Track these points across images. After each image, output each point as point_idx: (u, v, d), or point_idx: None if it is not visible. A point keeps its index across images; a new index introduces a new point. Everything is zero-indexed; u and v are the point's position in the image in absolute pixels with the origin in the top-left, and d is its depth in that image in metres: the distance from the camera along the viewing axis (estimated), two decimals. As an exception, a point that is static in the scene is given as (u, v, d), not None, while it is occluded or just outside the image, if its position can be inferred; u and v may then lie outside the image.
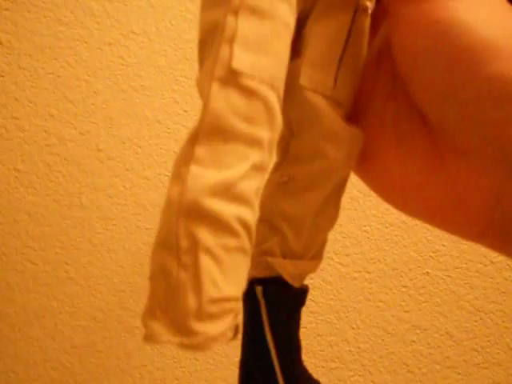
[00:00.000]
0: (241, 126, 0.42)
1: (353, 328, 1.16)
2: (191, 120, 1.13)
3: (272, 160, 0.45)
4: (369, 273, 1.16)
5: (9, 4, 1.11)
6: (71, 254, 1.15)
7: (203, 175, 0.42)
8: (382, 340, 1.16)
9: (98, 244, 1.15)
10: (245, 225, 0.43)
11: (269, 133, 0.42)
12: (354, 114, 0.45)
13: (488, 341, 1.17)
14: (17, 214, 1.15)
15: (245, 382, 0.56)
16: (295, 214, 0.51)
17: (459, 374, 1.17)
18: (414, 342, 1.16)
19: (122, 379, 1.15)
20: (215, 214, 0.42)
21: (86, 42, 1.12)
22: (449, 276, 1.17)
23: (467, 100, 0.29)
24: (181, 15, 1.13)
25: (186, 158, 0.45)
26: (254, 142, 0.42)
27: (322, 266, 1.22)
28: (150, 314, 0.45)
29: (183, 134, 1.13)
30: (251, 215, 0.43)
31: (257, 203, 0.44)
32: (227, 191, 0.42)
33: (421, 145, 0.36)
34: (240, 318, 0.45)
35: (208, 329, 0.42)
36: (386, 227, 1.15)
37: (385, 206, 1.13)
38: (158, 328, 0.44)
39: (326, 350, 1.16)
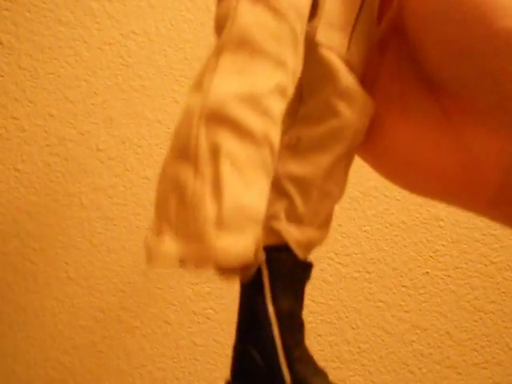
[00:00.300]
0: (268, 43, 0.41)
1: (353, 328, 1.16)
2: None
3: (292, 92, 0.44)
4: (369, 273, 1.16)
5: (9, 4, 1.11)
6: (71, 254, 1.15)
7: (228, 84, 0.41)
8: (382, 340, 1.16)
9: (97, 244, 1.15)
10: (268, 140, 0.41)
11: (293, 60, 0.41)
12: (363, 85, 0.45)
13: (488, 341, 1.17)
14: (17, 214, 1.15)
15: (240, 358, 0.52)
16: (304, 176, 0.49)
17: (459, 374, 1.17)
18: (413, 341, 1.16)
19: (122, 379, 1.15)
20: (239, 121, 0.40)
21: (85, 42, 1.12)
22: (449, 276, 1.17)
23: (484, 55, 0.29)
24: (181, 15, 1.13)
25: (209, 67, 0.43)
26: (279, 62, 0.41)
27: (322, 265, 1.22)
28: (156, 235, 0.42)
29: (183, 134, 1.13)
30: (275, 133, 0.42)
31: (280, 126, 0.42)
32: (253, 101, 0.40)
33: (429, 115, 0.36)
34: (262, 234, 0.43)
35: (228, 240, 0.40)
36: (386, 227, 1.15)
37: (385, 205, 1.13)
38: (168, 245, 0.41)
39: (326, 350, 1.16)
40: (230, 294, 1.15)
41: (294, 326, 0.52)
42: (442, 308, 1.17)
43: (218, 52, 0.42)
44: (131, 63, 1.13)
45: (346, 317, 1.16)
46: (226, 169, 0.39)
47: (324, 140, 0.47)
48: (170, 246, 0.40)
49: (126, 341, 1.15)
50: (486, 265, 1.17)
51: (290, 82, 0.41)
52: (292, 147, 0.49)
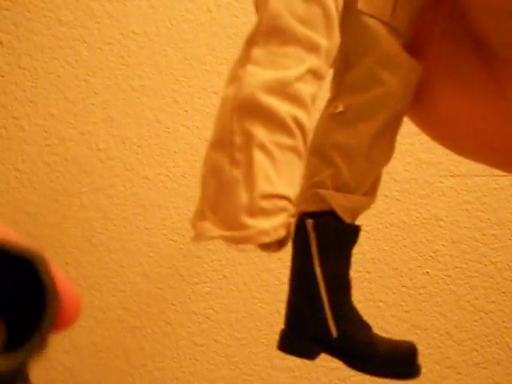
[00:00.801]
0: (299, 29, 0.41)
1: (353, 328, 1.16)
2: (191, 120, 1.13)
3: (328, 70, 0.44)
4: (369, 273, 1.16)
5: (9, 4, 1.11)
6: (71, 254, 1.15)
7: (260, 74, 0.42)
8: (382, 340, 1.16)
9: (97, 244, 1.16)
10: (300, 125, 0.43)
11: (326, 40, 0.42)
12: (411, 51, 0.44)
13: (488, 341, 1.17)
14: (17, 214, 1.15)
15: (292, 317, 0.56)
16: (349, 145, 0.50)
17: (459, 373, 1.17)
18: (413, 342, 1.15)
19: (122, 379, 1.15)
20: (270, 110, 0.42)
21: (85, 42, 1.12)
22: (449, 276, 1.17)
23: None
24: (181, 15, 1.13)
25: (243, 59, 0.45)
26: (311, 47, 0.42)
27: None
28: (199, 215, 0.46)
29: (183, 134, 1.13)
30: (306, 117, 0.43)
31: (312, 108, 0.44)
32: (283, 89, 0.42)
33: (478, 76, 0.36)
34: (292, 220, 0.44)
35: (259, 223, 0.42)
36: (386, 227, 1.15)
37: (385, 206, 1.13)
38: (208, 226, 0.44)
39: (326, 349, 1.16)
40: (230, 293, 1.15)
41: (340, 285, 0.56)
42: (442, 308, 1.17)
43: (251, 42, 0.44)
44: (131, 63, 1.13)
45: (346, 317, 1.16)
46: (258, 157, 0.41)
47: (369, 108, 0.47)
48: (210, 229, 0.43)
49: (125, 341, 1.15)
50: (485, 265, 1.17)
51: (323, 63, 0.42)
52: (337, 116, 0.50)
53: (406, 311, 1.16)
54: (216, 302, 1.14)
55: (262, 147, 0.42)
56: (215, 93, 1.12)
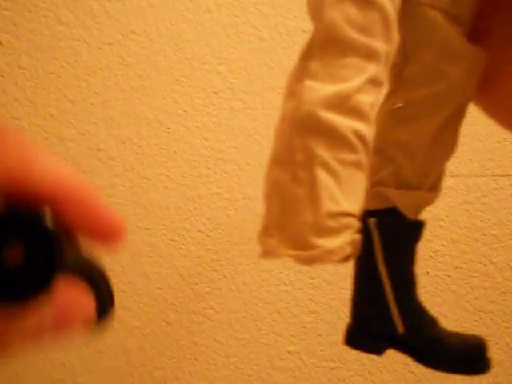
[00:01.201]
0: (357, 38, 0.40)
1: (353, 328, 1.16)
2: (191, 120, 1.13)
3: (388, 74, 0.43)
4: (369, 273, 1.16)
5: (9, 4, 1.11)
6: (71, 254, 1.15)
7: (318, 88, 0.41)
8: (382, 340, 1.16)
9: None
10: (362, 138, 0.41)
11: (385, 45, 0.41)
12: (474, 37, 0.43)
13: (488, 341, 1.17)
14: (17, 213, 1.15)
15: (358, 314, 0.56)
16: (410, 142, 0.48)
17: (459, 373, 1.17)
18: (414, 341, 1.16)
19: (122, 379, 1.15)
20: (331, 126, 0.40)
21: (85, 42, 1.12)
22: (449, 276, 1.17)
23: None
24: (181, 15, 1.13)
25: (300, 73, 0.43)
26: (370, 55, 0.40)
27: (322, 265, 1.21)
28: (264, 231, 0.45)
29: (183, 134, 1.13)
30: (368, 129, 0.42)
31: (373, 118, 0.42)
32: (343, 104, 0.40)
33: None
34: (358, 236, 0.44)
35: (325, 242, 0.41)
36: (386, 227, 1.15)
37: (385, 206, 1.07)
38: (275, 244, 0.43)
39: (326, 350, 1.16)
40: (230, 293, 1.15)
41: (405, 282, 0.55)
42: (442, 308, 1.17)
43: (307, 55, 0.42)
44: (131, 63, 1.13)
45: (346, 317, 1.16)
46: (322, 175, 0.40)
47: (430, 104, 0.46)
48: (277, 247, 0.43)
49: (126, 341, 1.15)
50: (485, 265, 1.17)
51: (382, 69, 0.41)
52: (396, 112, 0.48)
53: (406, 311, 1.16)
54: (216, 301, 1.14)
55: (325, 165, 0.41)
56: (215, 93, 1.12)
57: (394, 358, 1.17)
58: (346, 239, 0.42)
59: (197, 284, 1.14)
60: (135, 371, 1.15)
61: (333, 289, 1.15)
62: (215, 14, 1.11)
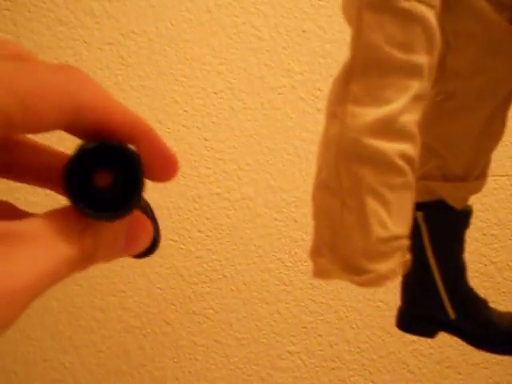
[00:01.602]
0: (399, 56, 0.38)
1: (353, 328, 1.16)
2: (191, 120, 1.13)
3: (431, 84, 0.41)
4: (369, 273, 1.16)
5: (9, 4, 1.11)
6: (71, 254, 1.15)
7: (362, 113, 0.39)
8: (382, 340, 1.16)
9: (98, 244, 1.16)
10: (409, 160, 0.40)
11: (428, 57, 0.39)
12: None
13: (488, 341, 1.17)
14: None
15: (409, 299, 0.57)
16: (456, 135, 0.47)
17: (459, 373, 1.17)
18: (414, 342, 1.16)
19: (122, 379, 1.15)
20: (377, 152, 0.39)
21: (85, 42, 1.12)
22: (449, 276, 1.17)
23: None
24: (181, 15, 1.13)
25: (341, 96, 0.41)
26: (413, 71, 0.38)
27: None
28: (316, 251, 0.45)
29: (183, 134, 1.13)
30: (414, 149, 0.40)
31: (418, 134, 0.41)
32: (388, 128, 0.39)
33: None
34: (408, 255, 0.44)
35: (378, 267, 0.41)
36: (386, 227, 1.15)
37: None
38: (327, 265, 0.43)
39: (326, 349, 1.16)
40: (230, 293, 1.15)
41: (454, 270, 0.56)
42: (442, 308, 1.17)
43: (348, 77, 0.40)
44: (131, 63, 1.13)
45: (346, 317, 1.16)
46: (370, 202, 0.40)
47: (477, 94, 0.44)
48: (330, 269, 0.42)
49: (125, 341, 1.15)
50: (485, 265, 1.17)
51: (426, 83, 0.39)
52: (440, 105, 0.46)
53: (405, 311, 1.16)
54: (216, 302, 1.14)
55: (372, 191, 0.39)
56: (215, 93, 1.12)
57: (393, 359, 1.17)
58: (397, 262, 0.42)
59: (197, 284, 1.14)
60: (135, 371, 1.15)
61: (333, 289, 1.15)
62: (215, 14, 1.11)
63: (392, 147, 0.39)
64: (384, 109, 0.38)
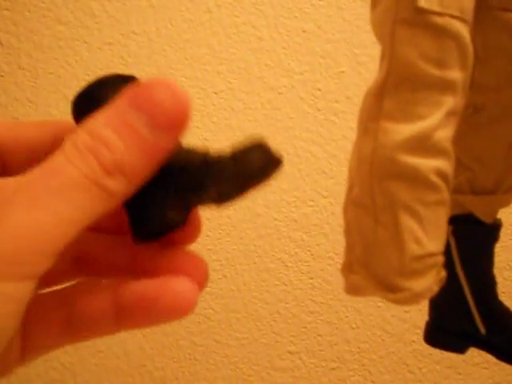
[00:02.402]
0: (432, 72, 0.37)
1: (353, 328, 1.16)
2: (191, 120, 1.13)
3: (464, 99, 0.40)
4: (369, 273, 1.16)
5: (9, 4, 1.11)
6: (71, 254, 1.15)
7: (395, 130, 0.38)
8: (382, 340, 1.16)
9: (97, 244, 1.15)
10: (444, 177, 0.39)
11: (462, 72, 0.38)
12: None
13: (488, 341, 1.17)
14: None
15: (438, 315, 0.56)
16: (485, 149, 0.46)
17: (459, 373, 1.17)
18: (413, 342, 1.16)
19: (122, 379, 1.15)
20: (412, 169, 0.38)
21: (85, 42, 1.12)
22: (449, 276, 1.17)
23: None
24: (181, 15, 1.13)
25: (374, 113, 0.41)
26: (447, 87, 0.38)
27: (322, 265, 1.21)
28: (348, 267, 0.44)
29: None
30: (449, 165, 0.40)
31: (452, 150, 0.40)
32: (422, 144, 0.38)
33: None
34: (444, 272, 0.43)
35: (413, 285, 0.41)
36: (386, 227, 1.15)
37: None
38: (360, 281, 0.43)
39: (326, 349, 1.16)
40: (230, 293, 1.15)
41: (484, 284, 0.55)
42: (442, 308, 1.17)
43: (381, 92, 0.39)
44: (131, 63, 1.13)
45: (346, 317, 1.16)
46: (404, 219, 0.39)
47: (505, 110, 0.44)
48: (363, 285, 0.42)
49: (125, 341, 1.15)
50: (485, 265, 1.17)
51: (459, 98, 0.38)
52: (470, 117, 0.45)
53: (406, 311, 1.16)
54: (216, 302, 1.14)
55: (407, 208, 0.39)
56: (215, 93, 1.12)
57: (393, 359, 1.17)
58: (432, 279, 0.41)
59: (197, 284, 1.14)
60: (135, 371, 1.15)
61: (333, 289, 1.15)
62: (215, 14, 1.11)
63: (426, 163, 0.38)
64: (418, 125, 0.38)
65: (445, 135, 0.39)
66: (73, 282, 0.22)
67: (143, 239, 0.20)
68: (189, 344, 1.15)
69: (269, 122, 1.13)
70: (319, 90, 1.13)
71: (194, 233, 0.22)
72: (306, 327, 1.15)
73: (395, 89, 0.39)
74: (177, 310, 0.20)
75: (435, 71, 0.37)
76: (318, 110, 1.13)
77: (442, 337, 0.58)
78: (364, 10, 1.13)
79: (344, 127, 1.12)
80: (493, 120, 0.46)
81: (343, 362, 1.16)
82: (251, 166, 0.19)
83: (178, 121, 0.18)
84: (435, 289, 0.43)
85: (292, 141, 1.12)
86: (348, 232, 0.44)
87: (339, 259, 1.21)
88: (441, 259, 0.42)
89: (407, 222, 0.39)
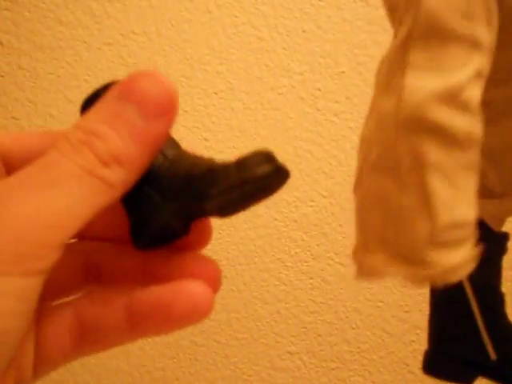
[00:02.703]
0: (461, 23, 0.35)
1: (353, 328, 1.16)
2: (191, 120, 1.13)
3: (489, 63, 0.37)
4: (369, 273, 1.16)
5: (9, 4, 1.11)
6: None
7: (424, 82, 0.36)
8: (382, 340, 1.16)
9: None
10: (474, 137, 0.37)
11: (488, 34, 0.36)
12: None
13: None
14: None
15: (439, 338, 0.49)
16: (493, 146, 0.44)
17: (459, 374, 1.17)
18: (413, 341, 1.16)
19: (122, 379, 1.15)
20: (442, 125, 0.35)
21: (85, 42, 1.12)
22: (449, 276, 1.17)
23: None
24: (181, 15, 1.13)
25: (398, 66, 0.37)
26: (475, 43, 0.36)
27: (321, 265, 1.21)
28: (362, 248, 0.39)
29: (183, 135, 1.13)
30: (479, 127, 0.37)
31: (479, 114, 0.37)
32: (453, 99, 0.35)
33: None
34: (477, 250, 0.39)
35: (444, 258, 0.36)
36: (386, 227, 1.15)
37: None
38: (378, 261, 0.38)
39: (326, 349, 1.16)
40: (230, 293, 1.15)
41: (493, 299, 0.48)
42: (442, 308, 1.17)
43: (405, 46, 0.37)
44: (131, 63, 1.13)
45: (346, 317, 1.16)
46: (434, 180, 0.36)
47: None
48: (381, 262, 0.37)
49: (126, 341, 1.15)
50: (485, 265, 1.17)
51: (485, 62, 0.37)
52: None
53: (406, 311, 1.16)
54: (216, 302, 1.14)
55: (436, 168, 0.36)
56: (215, 93, 1.12)
57: (393, 358, 1.17)
58: (465, 254, 0.37)
59: (197, 284, 1.14)
60: (135, 371, 1.15)
61: (332, 289, 1.15)
62: (215, 14, 1.11)
63: (457, 120, 0.35)
64: (447, 78, 0.36)
65: (475, 95, 0.36)
66: (84, 293, 0.21)
67: (143, 247, 0.20)
68: (189, 344, 1.15)
69: (269, 122, 1.13)
70: (319, 90, 1.13)
71: (202, 240, 0.22)
72: (305, 327, 1.15)
73: (422, 41, 0.36)
74: (193, 314, 0.19)
75: (464, 23, 0.35)
76: (318, 110, 1.13)
77: (446, 365, 0.51)
78: (364, 10, 1.13)
79: (344, 127, 1.12)
80: (502, 115, 0.44)
81: (343, 362, 1.16)
82: (256, 177, 0.18)
83: (166, 107, 0.18)
84: (469, 268, 0.38)
85: (292, 141, 1.12)
86: (361, 208, 0.40)
87: (339, 259, 1.21)
88: (474, 231, 0.38)
89: (436, 183, 0.36)
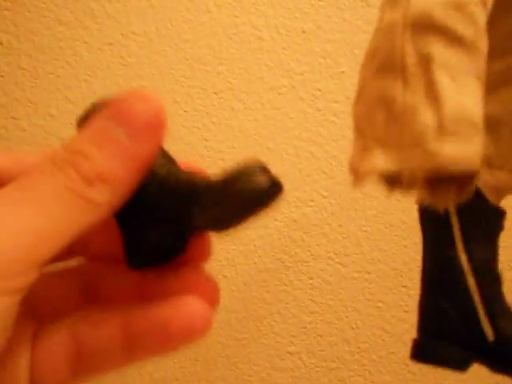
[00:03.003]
0: None
1: (353, 328, 1.16)
2: (191, 120, 1.13)
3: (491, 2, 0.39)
4: (369, 273, 1.16)
5: (9, 4, 1.11)
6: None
7: None
8: (382, 340, 1.16)
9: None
10: (480, 48, 0.37)
11: None
12: None
13: (488, 341, 1.17)
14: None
15: (430, 318, 0.45)
16: (492, 116, 0.44)
17: (459, 374, 1.17)
18: (413, 342, 1.16)
19: (121, 379, 1.15)
20: (449, 25, 0.36)
21: (85, 42, 1.12)
22: (449, 276, 1.17)
23: None
24: (181, 15, 1.13)
25: None
26: None
27: (321, 265, 1.21)
28: (359, 152, 0.38)
29: (183, 135, 1.13)
30: (483, 43, 0.37)
31: (485, 38, 0.37)
32: (460, 8, 0.36)
33: None
34: (482, 150, 0.38)
35: (449, 148, 0.35)
36: (386, 227, 1.15)
37: (385, 205, 1.13)
38: (380, 158, 0.37)
39: (326, 349, 1.16)
40: (230, 293, 1.15)
41: (491, 276, 0.45)
42: (442, 308, 1.17)
43: None
44: (131, 63, 1.13)
45: (346, 317, 1.16)
46: (440, 76, 0.36)
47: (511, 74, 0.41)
48: (379, 158, 0.36)
49: (126, 341, 1.15)
50: (485, 265, 1.17)
51: None
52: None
53: (405, 311, 1.16)
54: (216, 302, 1.14)
55: (443, 66, 0.36)
56: (215, 93, 1.12)
57: (393, 358, 1.17)
58: (474, 142, 0.36)
59: (197, 284, 1.14)
60: (135, 371, 1.15)
61: (332, 289, 1.15)
62: (215, 14, 1.11)
63: (463, 25, 0.36)
64: None
65: (478, 13, 0.36)
66: (81, 314, 0.21)
67: (137, 267, 0.19)
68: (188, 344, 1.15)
69: (269, 122, 1.13)
70: (319, 90, 1.13)
71: (201, 255, 0.22)
72: (305, 327, 1.15)
73: None
74: (192, 332, 0.19)
75: None
76: (318, 110, 1.13)
77: (439, 349, 0.46)
78: (364, 10, 1.13)
79: (344, 127, 1.12)
80: (500, 84, 0.44)
81: (343, 362, 1.16)
82: (244, 192, 0.18)
83: (154, 126, 0.18)
84: (476, 163, 0.36)
85: (292, 141, 1.12)
86: (362, 116, 0.39)
87: (339, 259, 1.21)
88: (480, 123, 0.37)
89: (443, 78, 0.36)
